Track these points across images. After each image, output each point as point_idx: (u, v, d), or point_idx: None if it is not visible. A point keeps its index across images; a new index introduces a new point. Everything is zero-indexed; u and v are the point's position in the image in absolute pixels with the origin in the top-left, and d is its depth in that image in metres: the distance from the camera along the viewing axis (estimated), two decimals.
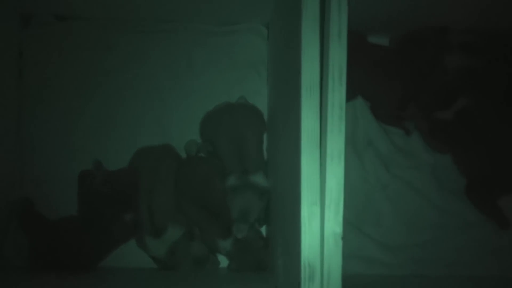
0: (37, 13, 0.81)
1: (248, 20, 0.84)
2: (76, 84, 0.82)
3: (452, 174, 0.84)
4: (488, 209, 0.82)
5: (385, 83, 0.82)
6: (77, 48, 0.82)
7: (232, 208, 0.76)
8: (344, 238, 0.43)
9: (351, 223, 0.82)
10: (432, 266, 0.82)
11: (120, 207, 0.77)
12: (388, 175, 0.83)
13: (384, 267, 0.81)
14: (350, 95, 0.83)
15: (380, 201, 0.83)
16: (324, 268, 0.43)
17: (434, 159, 0.84)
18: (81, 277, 0.73)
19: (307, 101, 0.44)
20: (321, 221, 0.44)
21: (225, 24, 0.85)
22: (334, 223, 0.44)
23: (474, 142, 0.80)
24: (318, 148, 0.44)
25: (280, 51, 0.67)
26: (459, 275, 0.82)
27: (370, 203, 0.83)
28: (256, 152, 0.78)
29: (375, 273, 0.81)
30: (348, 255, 0.82)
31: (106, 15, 0.82)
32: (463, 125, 0.79)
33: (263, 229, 0.82)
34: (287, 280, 0.46)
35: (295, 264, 0.44)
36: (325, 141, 0.44)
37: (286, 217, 0.54)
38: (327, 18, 0.45)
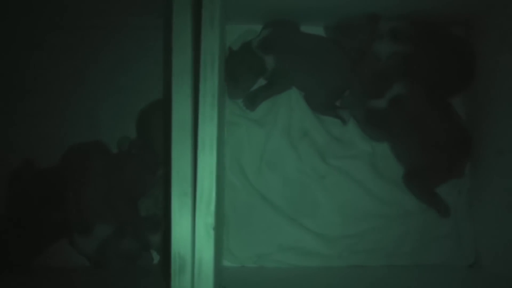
0: None
1: None
2: (5, 82, 0.81)
3: (390, 162, 0.82)
4: (427, 197, 0.81)
5: (320, 73, 0.81)
6: (5, 45, 0.81)
7: None
8: (216, 228, 0.42)
9: (287, 215, 0.81)
10: (371, 256, 0.81)
11: (49, 205, 0.76)
12: (325, 165, 0.82)
13: (321, 259, 0.80)
14: (285, 86, 0.82)
15: (317, 192, 0.82)
16: (195, 259, 0.42)
17: (372, 148, 0.83)
18: (11, 276, 0.73)
19: (177, 90, 0.43)
20: (192, 212, 0.43)
21: (158, 18, 0.83)
22: (206, 214, 0.43)
23: (409, 130, 0.78)
24: (190, 138, 0.43)
25: None
26: (399, 264, 0.81)
27: (307, 194, 0.82)
28: None
29: (313, 265, 0.80)
30: (284, 247, 0.81)
31: (35, 11, 0.81)
32: (398, 113, 0.78)
33: None
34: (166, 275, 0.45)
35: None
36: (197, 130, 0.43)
37: None
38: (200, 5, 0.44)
